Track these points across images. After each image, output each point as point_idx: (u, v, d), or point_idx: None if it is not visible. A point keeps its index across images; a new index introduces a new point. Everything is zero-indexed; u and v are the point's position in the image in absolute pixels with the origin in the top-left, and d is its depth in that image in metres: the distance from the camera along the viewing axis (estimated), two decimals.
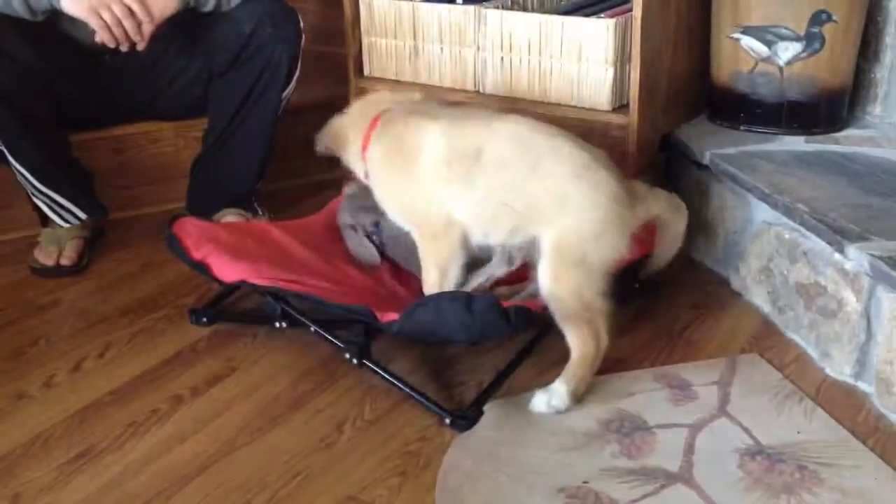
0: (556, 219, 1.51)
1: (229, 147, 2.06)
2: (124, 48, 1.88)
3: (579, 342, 1.50)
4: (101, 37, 1.84)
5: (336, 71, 2.35)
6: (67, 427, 1.51)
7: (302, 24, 2.02)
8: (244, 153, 2.07)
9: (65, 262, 2.01)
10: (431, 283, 1.63)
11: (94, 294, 1.93)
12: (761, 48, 2.00)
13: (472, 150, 1.56)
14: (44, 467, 1.42)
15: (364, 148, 1.67)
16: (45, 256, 2.02)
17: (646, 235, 1.77)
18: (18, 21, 1.85)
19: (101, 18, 1.82)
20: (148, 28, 1.86)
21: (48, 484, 1.39)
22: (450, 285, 1.62)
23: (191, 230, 1.74)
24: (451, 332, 1.50)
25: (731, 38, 2.03)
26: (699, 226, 1.96)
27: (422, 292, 1.64)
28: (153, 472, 1.41)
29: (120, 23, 1.83)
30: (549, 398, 1.51)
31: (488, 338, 1.63)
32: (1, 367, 1.67)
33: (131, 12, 1.83)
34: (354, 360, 1.58)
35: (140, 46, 1.88)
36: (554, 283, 1.50)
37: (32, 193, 2.00)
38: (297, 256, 1.80)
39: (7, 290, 1.95)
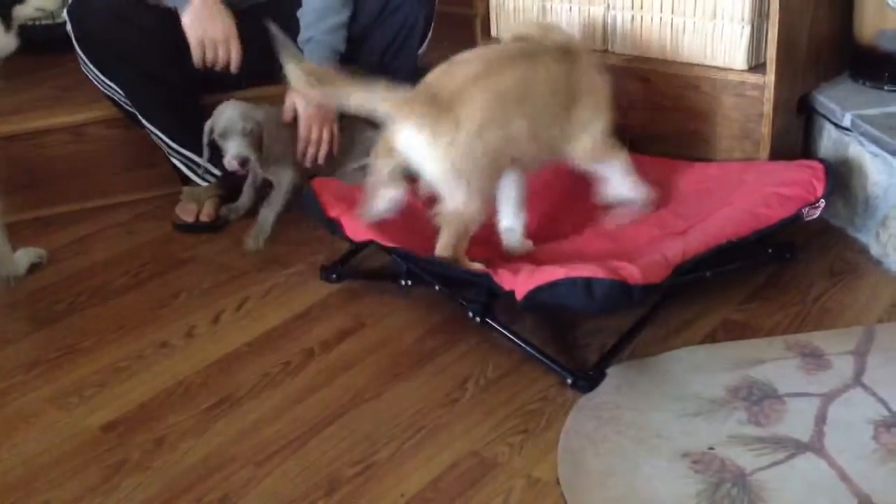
0: None
1: None
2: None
3: None
4: (194, 57, 1.97)
5: (462, 32, 2.36)
6: (208, 375, 1.59)
7: None
8: None
9: (204, 218, 2.11)
10: None
11: (231, 250, 2.01)
12: None
13: None
14: (186, 412, 1.50)
15: None
16: (185, 213, 2.12)
17: (789, 196, 1.72)
18: None
19: (203, 51, 1.95)
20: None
21: (190, 428, 1.47)
22: None
23: (330, 188, 1.79)
24: (573, 310, 1.51)
25: None
26: (838, 190, 1.88)
27: (542, 260, 1.64)
28: (287, 420, 1.47)
29: (214, 62, 1.98)
30: None
31: (611, 312, 1.62)
32: (146, 317, 1.77)
33: (230, 56, 1.98)
34: (478, 319, 1.60)
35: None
36: None
37: (168, 153, 2.09)
38: (424, 219, 1.82)
39: (152, 244, 2.05)
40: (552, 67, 1.66)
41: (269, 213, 1.98)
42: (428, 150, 1.54)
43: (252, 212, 2.10)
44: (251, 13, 2.13)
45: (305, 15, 2.00)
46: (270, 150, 1.99)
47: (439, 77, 1.60)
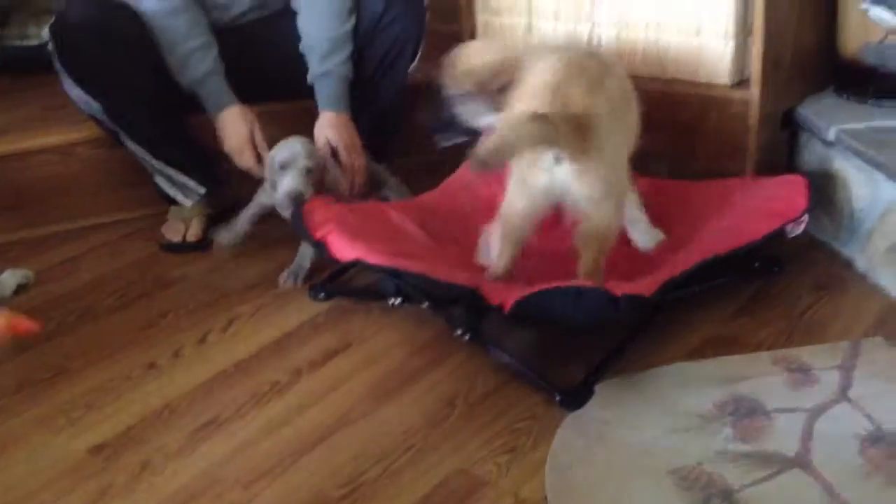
0: None
1: (357, 123, 2.09)
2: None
3: None
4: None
5: (449, 49, 2.36)
6: (195, 396, 1.59)
7: (427, 1, 2.06)
8: (372, 128, 2.11)
9: (191, 238, 2.10)
10: None
11: (219, 270, 2.01)
12: (891, 18, 1.90)
13: None
14: (172, 434, 1.50)
15: None
16: (172, 233, 2.12)
17: (773, 212, 1.73)
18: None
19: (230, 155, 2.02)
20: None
21: (176, 450, 1.46)
22: None
23: (316, 209, 1.79)
24: (560, 320, 1.50)
25: (860, 8, 1.94)
26: (824, 205, 1.89)
27: (530, 275, 1.64)
28: (275, 440, 1.47)
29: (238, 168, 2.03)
30: None
31: (599, 325, 1.62)
32: (133, 337, 1.77)
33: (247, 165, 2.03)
34: (466, 337, 1.60)
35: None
36: None
37: (152, 172, 2.09)
38: (411, 236, 1.83)
39: (138, 264, 2.05)
40: (623, 76, 1.68)
41: (307, 251, 1.92)
42: (582, 175, 1.52)
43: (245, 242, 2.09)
44: (245, 30, 2.13)
45: (316, 51, 2.02)
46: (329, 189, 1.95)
47: (559, 95, 1.55)
